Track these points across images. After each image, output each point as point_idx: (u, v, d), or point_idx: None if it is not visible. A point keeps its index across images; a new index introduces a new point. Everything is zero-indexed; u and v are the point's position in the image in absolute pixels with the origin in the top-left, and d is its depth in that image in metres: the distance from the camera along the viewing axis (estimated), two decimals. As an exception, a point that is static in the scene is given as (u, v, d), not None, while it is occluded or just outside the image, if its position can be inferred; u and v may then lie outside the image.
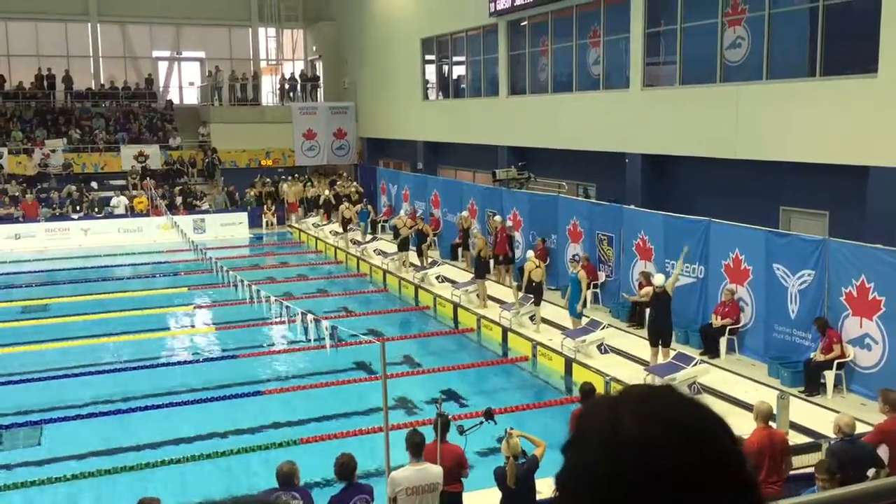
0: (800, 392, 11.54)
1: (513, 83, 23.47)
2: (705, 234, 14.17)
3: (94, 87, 35.15)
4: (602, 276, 16.93)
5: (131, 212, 28.71)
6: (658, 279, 12.84)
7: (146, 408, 12.34)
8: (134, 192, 29.71)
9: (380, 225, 27.54)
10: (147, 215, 28.48)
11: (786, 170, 14.66)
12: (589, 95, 19.99)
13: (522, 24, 22.83)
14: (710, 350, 13.37)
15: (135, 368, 14.32)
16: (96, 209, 28.55)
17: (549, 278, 17.19)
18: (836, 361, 11.50)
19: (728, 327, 13.34)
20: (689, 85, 16.86)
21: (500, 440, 8.33)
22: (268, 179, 31.72)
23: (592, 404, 1.04)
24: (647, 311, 13.24)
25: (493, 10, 23.05)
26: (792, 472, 8.15)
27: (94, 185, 29.98)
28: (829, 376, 11.51)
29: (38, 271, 23.09)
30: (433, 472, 7.41)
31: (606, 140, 18.97)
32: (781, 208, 15.18)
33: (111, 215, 28.38)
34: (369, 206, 27.10)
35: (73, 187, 29.03)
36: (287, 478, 7.26)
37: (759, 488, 1.00)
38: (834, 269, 11.90)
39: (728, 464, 0.96)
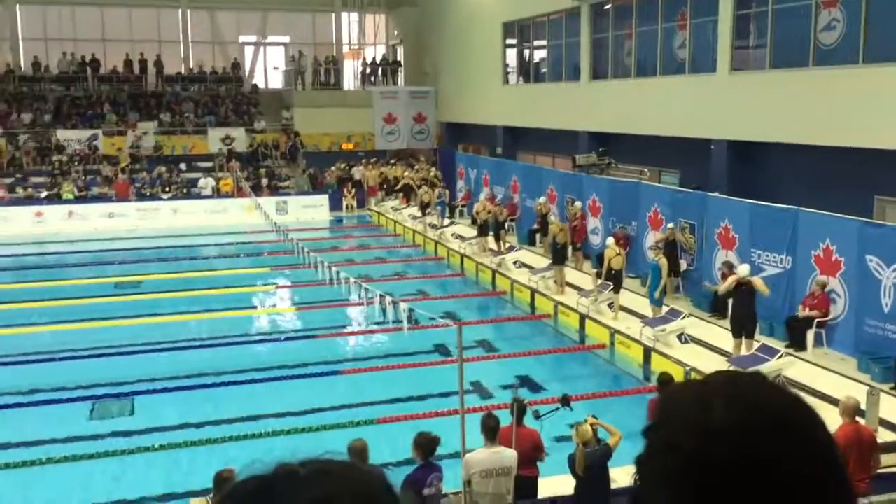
0: (891, 388, 11.10)
1: (595, 67, 23.12)
2: (794, 224, 13.71)
3: (183, 72, 36.21)
4: (683, 265, 16.58)
5: (217, 193, 29.54)
6: (742, 269, 12.51)
7: (229, 383, 12.72)
8: (220, 174, 30.55)
9: (458, 209, 27.61)
10: (232, 197, 29.26)
11: (881, 157, 14.02)
12: (674, 80, 19.54)
13: (606, 7, 22.44)
14: (797, 343, 12.96)
15: (219, 345, 14.76)
16: (185, 190, 29.50)
17: (628, 266, 16.93)
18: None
19: (816, 320, 12.90)
20: (779, 69, 16.29)
21: (572, 426, 8.27)
22: (343, 164, 32.15)
23: (678, 387, 1.02)
24: (731, 301, 12.93)
25: (576, -8, 22.73)
26: (880, 471, 7.87)
27: (182, 166, 30.94)
28: (924, 373, 11.03)
29: (130, 249, 24.00)
30: (507, 455, 7.42)
31: (691, 126, 18.52)
32: (876, 198, 14.57)
33: (198, 196, 29.26)
34: (445, 191, 27.18)
35: (164, 168, 30.04)
36: (359, 454, 7.35)
37: (851, 482, 0.97)
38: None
39: (820, 454, 0.93)
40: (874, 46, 14.22)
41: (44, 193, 28.23)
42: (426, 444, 7.22)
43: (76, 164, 30.13)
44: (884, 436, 9.37)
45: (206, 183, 29.71)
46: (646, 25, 20.68)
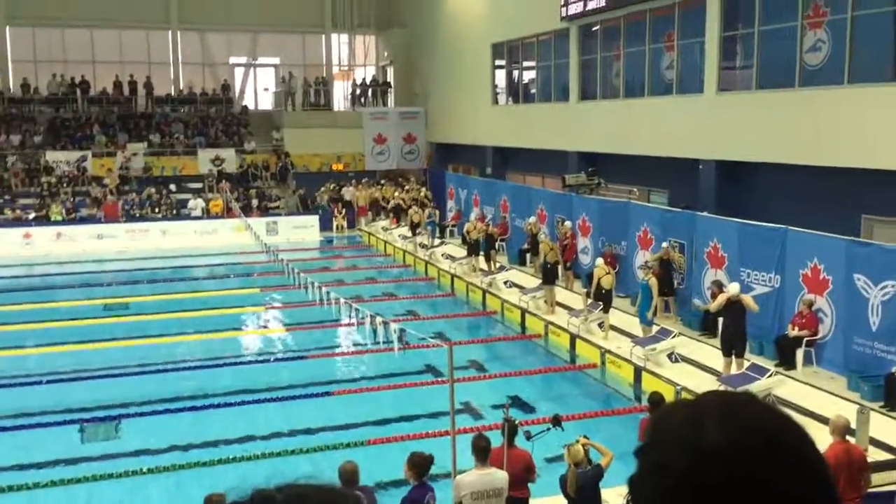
0: (881, 407, 11.11)
1: (584, 88, 23.28)
2: (782, 243, 13.78)
3: (173, 93, 36.24)
4: (675, 284, 16.60)
5: (207, 214, 29.48)
6: (733, 288, 12.56)
7: (218, 405, 12.64)
8: (210, 195, 30.50)
9: (448, 229, 27.65)
10: (222, 218, 29.20)
11: (868, 177, 14.15)
12: (662, 100, 19.69)
13: (594, 28, 22.63)
14: (786, 361, 12.98)
15: (208, 367, 14.67)
16: (174, 211, 29.43)
17: (618, 285, 16.96)
18: (920, 376, 11.05)
19: (805, 339, 12.93)
20: (766, 89, 16.45)
21: (563, 447, 8.25)
22: (333, 185, 32.16)
23: (670, 407, 1.02)
24: (721, 319, 12.96)
25: (564, 14, 22.91)
26: (870, 490, 7.87)
27: (172, 187, 30.89)
28: (913, 392, 11.05)
29: (120, 270, 23.89)
30: (498, 476, 7.38)
31: (679, 146, 18.65)
32: (863, 217, 14.67)
33: (188, 217, 29.19)
34: (435, 211, 27.23)
35: (153, 190, 29.98)
36: (350, 476, 7.30)
37: (841, 501, 0.98)
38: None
39: (811, 474, 0.94)
40: (859, 67, 14.38)
41: (32, 215, 28.11)
42: (420, 464, 7.17)
43: (65, 185, 30.05)
44: (874, 454, 9.38)
45: (196, 204, 29.65)
46: (634, 46, 20.86)
